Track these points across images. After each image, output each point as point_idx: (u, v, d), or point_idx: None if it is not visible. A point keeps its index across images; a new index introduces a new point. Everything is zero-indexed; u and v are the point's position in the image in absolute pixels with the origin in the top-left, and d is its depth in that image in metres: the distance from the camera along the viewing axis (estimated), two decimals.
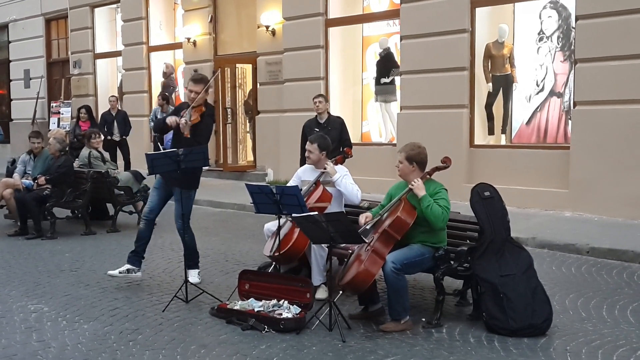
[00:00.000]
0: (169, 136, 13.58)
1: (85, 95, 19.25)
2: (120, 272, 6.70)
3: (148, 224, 6.77)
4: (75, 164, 10.34)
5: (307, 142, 6.59)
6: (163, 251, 8.43)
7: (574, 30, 10.25)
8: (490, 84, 11.46)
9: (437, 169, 5.57)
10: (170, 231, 9.54)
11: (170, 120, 6.48)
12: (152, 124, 14.44)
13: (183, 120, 6.38)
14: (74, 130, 14.34)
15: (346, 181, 6.33)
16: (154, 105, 15.91)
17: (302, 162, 8.16)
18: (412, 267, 5.41)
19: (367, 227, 5.48)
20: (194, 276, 6.71)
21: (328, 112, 9.53)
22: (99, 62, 19.48)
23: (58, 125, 18.00)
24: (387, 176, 11.03)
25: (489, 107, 11.51)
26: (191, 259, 6.77)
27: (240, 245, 8.53)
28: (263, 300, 5.66)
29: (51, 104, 19.70)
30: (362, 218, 5.61)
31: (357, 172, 9.92)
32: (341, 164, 6.65)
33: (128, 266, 6.74)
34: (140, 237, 6.77)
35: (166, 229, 9.82)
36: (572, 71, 10.29)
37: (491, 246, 5.45)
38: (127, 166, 14.29)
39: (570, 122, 10.39)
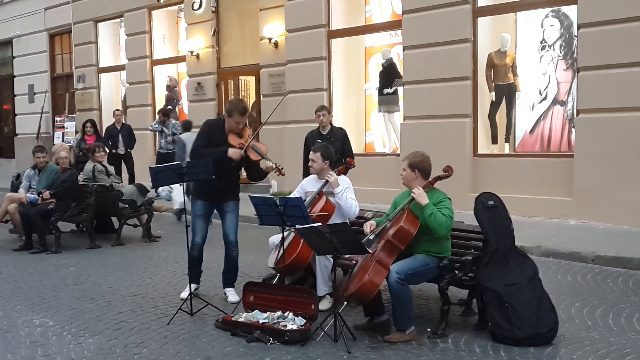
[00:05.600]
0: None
1: (90, 110, 19.31)
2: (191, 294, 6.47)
3: (201, 251, 6.65)
4: (80, 177, 10.36)
5: (311, 151, 6.61)
6: (167, 264, 8.43)
7: (576, 38, 10.26)
8: (493, 93, 11.46)
9: (440, 178, 5.57)
10: (174, 244, 9.59)
11: (236, 154, 6.34)
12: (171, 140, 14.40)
13: (273, 165, 6.49)
14: (79, 144, 14.40)
15: (347, 195, 6.33)
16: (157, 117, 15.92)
17: (305, 173, 8.16)
18: (416, 277, 5.40)
19: (371, 237, 5.48)
20: (233, 295, 6.61)
21: (331, 124, 9.54)
22: (102, 76, 19.56)
23: (62, 140, 18.06)
24: (391, 186, 11.04)
25: (492, 116, 11.51)
26: (233, 276, 6.76)
27: (245, 257, 8.47)
28: (268, 312, 5.66)
29: (55, 119, 19.79)
30: (367, 227, 5.60)
31: (361, 182, 9.95)
32: (344, 174, 6.66)
33: (195, 285, 6.66)
34: (198, 263, 6.67)
35: (170, 242, 9.85)
36: (575, 79, 10.30)
37: (496, 255, 5.44)
38: (132, 179, 14.32)
39: (573, 130, 10.38)
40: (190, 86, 16.47)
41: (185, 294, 6.51)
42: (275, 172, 6.59)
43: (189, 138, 12.23)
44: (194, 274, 6.70)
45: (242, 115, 6.46)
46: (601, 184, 9.64)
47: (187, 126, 13.04)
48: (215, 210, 6.77)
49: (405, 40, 11.98)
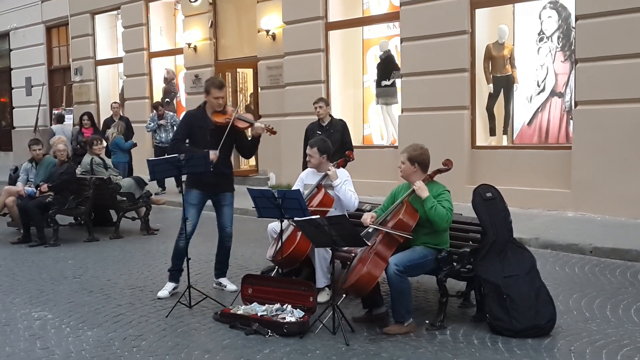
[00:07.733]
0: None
1: (87, 102, 19.28)
2: (170, 293, 6.54)
3: (187, 243, 6.50)
4: (78, 170, 10.35)
5: (308, 147, 6.59)
6: (166, 256, 8.38)
7: (574, 30, 10.25)
8: (491, 85, 11.45)
9: (439, 171, 5.56)
10: (173, 236, 9.51)
11: (214, 156, 6.27)
12: (152, 129, 14.39)
13: (263, 125, 6.50)
14: (77, 137, 14.37)
15: (345, 187, 6.32)
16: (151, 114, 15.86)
17: (305, 165, 8.15)
18: (415, 269, 5.40)
19: (370, 230, 5.48)
20: (230, 283, 6.73)
21: (330, 115, 9.53)
22: (100, 68, 19.52)
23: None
24: (388, 179, 11.04)
25: (490, 108, 11.51)
26: (226, 265, 6.85)
27: (243, 250, 8.52)
28: (266, 305, 5.66)
29: (53, 111, 19.74)
30: (368, 217, 5.58)
31: (359, 174, 9.93)
32: (343, 167, 6.65)
33: (174, 284, 6.64)
34: (182, 255, 6.48)
35: (168, 235, 9.84)
36: (573, 71, 10.29)
37: (494, 247, 5.45)
38: (130, 172, 14.28)
39: (571, 122, 10.38)
40: (187, 79, 16.45)
41: (163, 293, 6.51)
42: (267, 132, 6.62)
43: (58, 129, 14.95)
44: (176, 270, 6.62)
45: (219, 89, 6.47)
46: (599, 175, 9.64)
47: (60, 119, 15.92)
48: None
49: (403, 32, 11.96)
